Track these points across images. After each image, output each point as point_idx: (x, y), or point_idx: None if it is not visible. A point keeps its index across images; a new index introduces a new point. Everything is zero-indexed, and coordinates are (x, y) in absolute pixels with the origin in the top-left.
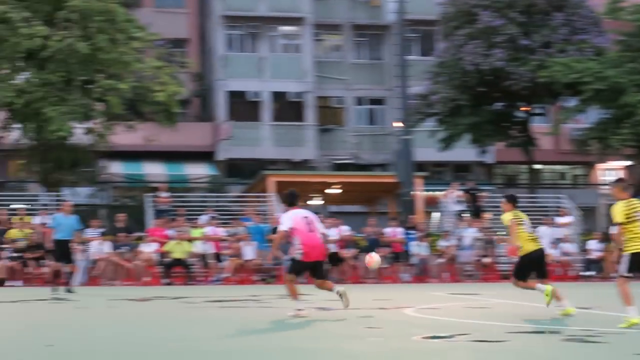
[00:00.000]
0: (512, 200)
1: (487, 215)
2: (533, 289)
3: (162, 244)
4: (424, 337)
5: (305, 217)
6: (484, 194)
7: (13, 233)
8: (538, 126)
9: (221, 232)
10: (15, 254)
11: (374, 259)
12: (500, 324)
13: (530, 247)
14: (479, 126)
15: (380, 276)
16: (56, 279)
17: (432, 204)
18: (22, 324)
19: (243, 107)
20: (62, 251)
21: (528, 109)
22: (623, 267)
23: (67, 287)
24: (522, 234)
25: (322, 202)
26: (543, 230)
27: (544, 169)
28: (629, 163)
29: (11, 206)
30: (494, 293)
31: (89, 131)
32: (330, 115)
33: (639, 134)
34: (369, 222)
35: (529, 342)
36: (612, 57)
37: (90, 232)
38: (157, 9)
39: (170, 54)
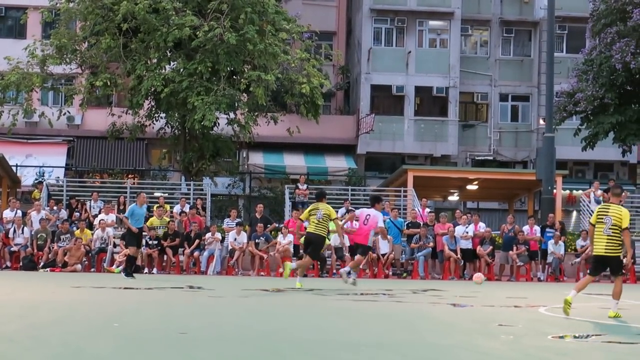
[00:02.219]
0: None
1: None
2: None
3: (299, 235)
4: (557, 337)
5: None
6: (625, 193)
7: (152, 221)
8: None
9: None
10: (153, 242)
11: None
12: (636, 325)
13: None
14: (624, 125)
15: (515, 274)
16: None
17: (572, 203)
18: (157, 311)
19: (386, 101)
20: (137, 239)
21: None
22: None
23: (127, 271)
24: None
25: (458, 197)
26: None
27: None
28: None
29: (155, 194)
30: (631, 295)
31: (232, 122)
32: (473, 111)
33: None
34: (507, 220)
35: None
36: None
37: (227, 222)
38: (307, 2)
39: (317, 47)
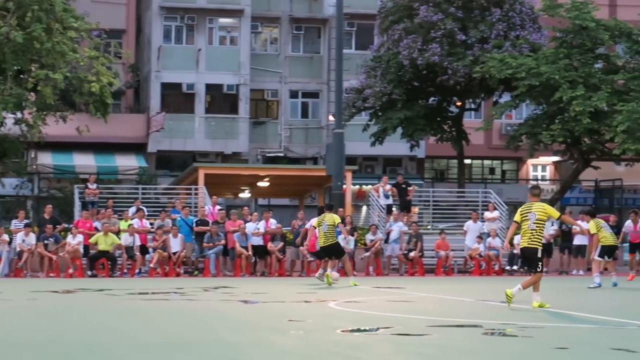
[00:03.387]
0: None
1: (415, 210)
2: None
3: (89, 236)
4: (346, 331)
5: None
6: (413, 188)
7: None
8: (470, 121)
9: (148, 224)
10: None
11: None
12: (423, 317)
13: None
14: (411, 120)
15: (306, 269)
16: None
17: (362, 198)
18: None
19: (177, 99)
20: None
21: (461, 104)
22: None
23: None
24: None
25: (249, 195)
26: (469, 224)
27: (474, 163)
28: (557, 159)
29: None
30: (419, 287)
31: (20, 121)
32: (263, 108)
33: (569, 130)
34: (297, 216)
35: (450, 336)
36: (548, 53)
37: (15, 224)
38: None
39: (106, 45)
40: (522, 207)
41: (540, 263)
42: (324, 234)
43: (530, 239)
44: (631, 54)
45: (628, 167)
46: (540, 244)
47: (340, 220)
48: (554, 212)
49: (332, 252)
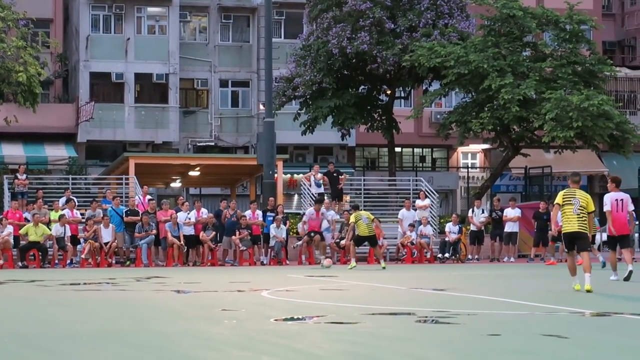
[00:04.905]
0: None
1: (347, 198)
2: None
3: (19, 226)
4: (279, 320)
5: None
6: (344, 176)
7: None
8: (400, 109)
9: (79, 214)
10: None
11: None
12: (356, 305)
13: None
14: (341, 109)
15: (238, 259)
16: None
17: (293, 187)
18: None
19: (106, 88)
20: None
21: (391, 92)
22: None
23: None
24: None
25: (180, 184)
26: (403, 212)
27: (405, 152)
28: (487, 147)
29: None
30: (351, 275)
31: None
32: (193, 97)
33: (498, 118)
34: (229, 205)
35: (383, 324)
36: (476, 42)
37: None
38: None
39: (34, 34)
40: (564, 191)
41: (590, 243)
42: (366, 224)
43: (579, 224)
44: (558, 42)
45: (557, 155)
46: (587, 228)
47: (373, 217)
48: (591, 205)
49: (369, 240)
